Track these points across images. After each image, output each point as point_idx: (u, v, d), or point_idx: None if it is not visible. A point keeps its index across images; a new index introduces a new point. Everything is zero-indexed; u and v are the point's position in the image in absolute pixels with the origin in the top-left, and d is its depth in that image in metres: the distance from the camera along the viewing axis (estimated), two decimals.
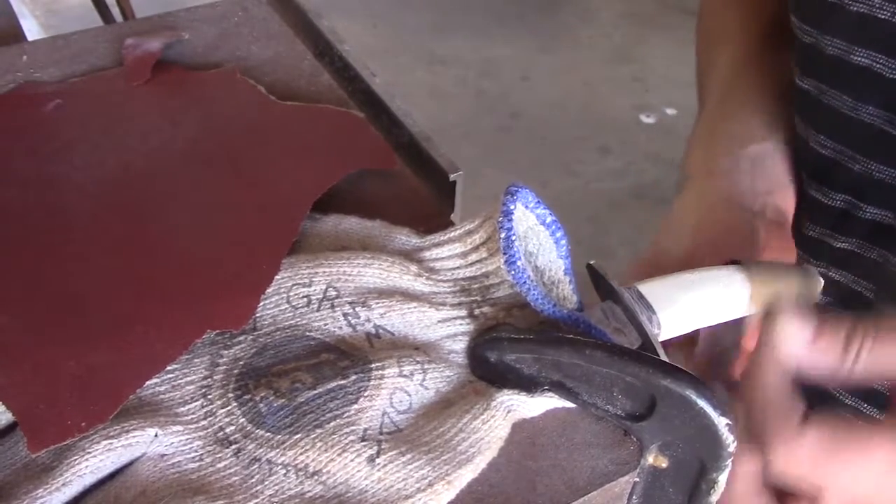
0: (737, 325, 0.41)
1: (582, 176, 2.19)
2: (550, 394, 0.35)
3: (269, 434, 0.33)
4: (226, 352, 0.36)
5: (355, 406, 0.34)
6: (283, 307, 0.38)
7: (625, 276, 0.48)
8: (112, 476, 0.33)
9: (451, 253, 0.39)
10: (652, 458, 0.34)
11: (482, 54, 2.61)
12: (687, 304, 0.38)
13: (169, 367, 0.35)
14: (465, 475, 0.32)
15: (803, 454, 0.33)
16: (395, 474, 0.32)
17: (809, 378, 0.34)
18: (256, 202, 0.44)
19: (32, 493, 0.31)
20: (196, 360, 0.36)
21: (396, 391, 0.34)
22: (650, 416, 0.33)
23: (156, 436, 0.33)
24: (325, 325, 0.37)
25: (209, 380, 0.35)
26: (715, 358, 0.43)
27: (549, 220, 0.38)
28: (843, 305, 0.56)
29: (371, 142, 0.49)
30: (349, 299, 0.38)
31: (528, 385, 0.35)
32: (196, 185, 0.45)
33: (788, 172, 0.52)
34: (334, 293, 0.38)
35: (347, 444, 0.33)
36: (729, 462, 0.33)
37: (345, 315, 0.37)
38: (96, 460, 0.32)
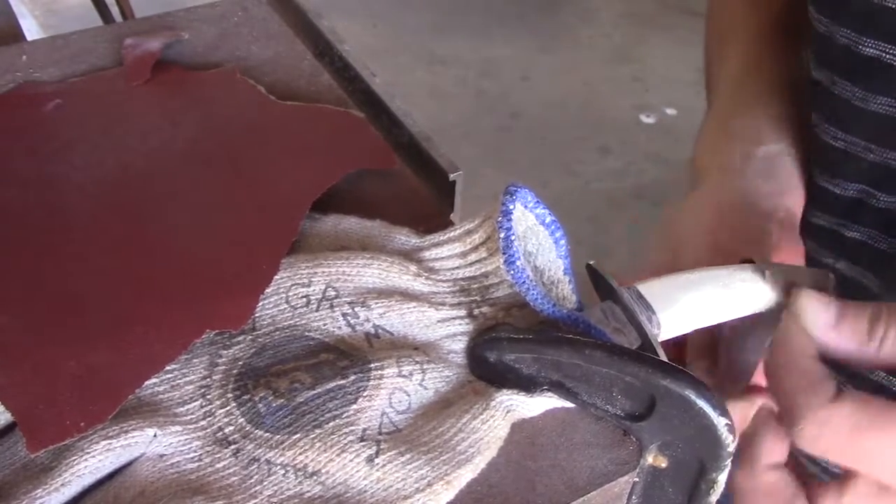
0: (760, 337, 0.41)
1: (582, 176, 2.19)
2: (550, 394, 0.35)
3: (268, 434, 0.33)
4: (225, 352, 0.36)
5: (354, 406, 0.34)
6: (282, 307, 0.38)
7: (631, 279, 0.49)
8: (111, 476, 0.33)
9: (450, 253, 0.39)
10: (651, 458, 0.34)
11: (482, 54, 2.61)
12: (687, 304, 0.38)
13: (168, 368, 0.35)
14: (465, 475, 0.32)
15: (837, 428, 0.32)
16: (394, 474, 0.32)
17: (834, 361, 0.34)
18: (256, 202, 0.44)
19: (31, 494, 0.31)
20: (195, 361, 0.36)
21: (395, 391, 0.34)
22: (650, 416, 0.33)
23: (155, 436, 0.33)
24: (325, 325, 0.37)
25: (208, 380, 0.35)
26: (737, 372, 0.43)
27: (548, 219, 0.38)
28: (849, 298, 0.56)
29: (371, 142, 0.49)
30: (348, 299, 0.38)
31: (528, 385, 0.35)
32: (195, 185, 0.45)
33: (797, 175, 0.52)
34: (333, 293, 0.38)
35: (346, 444, 0.32)
36: (728, 462, 0.33)
37: (344, 315, 0.37)
38: (95, 460, 0.32)
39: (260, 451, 0.33)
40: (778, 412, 0.37)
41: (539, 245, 0.39)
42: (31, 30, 2.34)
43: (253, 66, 0.55)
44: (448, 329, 0.37)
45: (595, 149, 2.28)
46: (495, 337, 0.36)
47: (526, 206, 0.38)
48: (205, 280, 0.39)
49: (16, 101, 0.51)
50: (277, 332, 0.37)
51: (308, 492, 0.32)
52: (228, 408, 0.34)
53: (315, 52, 0.59)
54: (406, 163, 0.50)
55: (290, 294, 0.38)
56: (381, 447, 0.33)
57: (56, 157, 0.47)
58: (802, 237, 0.49)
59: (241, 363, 0.36)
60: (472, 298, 0.38)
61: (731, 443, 0.32)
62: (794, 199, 0.51)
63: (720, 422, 0.32)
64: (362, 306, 0.37)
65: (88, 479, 0.32)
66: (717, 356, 0.44)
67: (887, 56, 0.46)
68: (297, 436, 0.33)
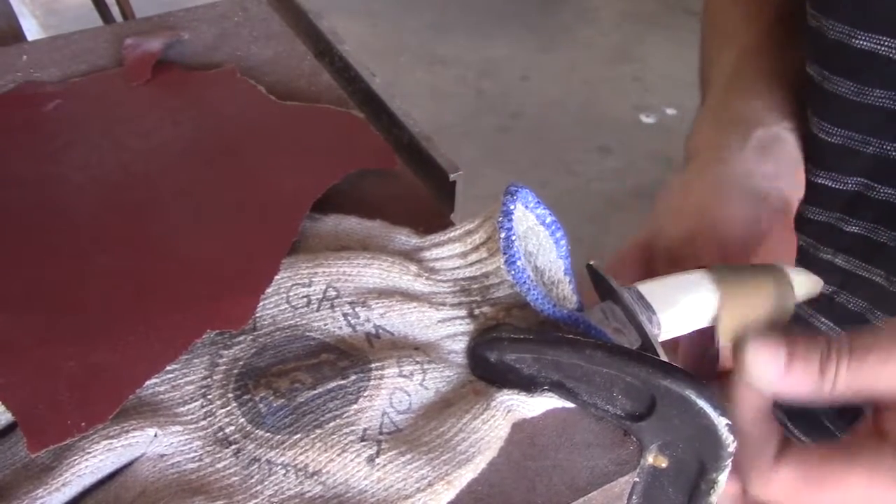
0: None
1: (582, 176, 2.19)
2: (550, 394, 0.35)
3: (268, 434, 0.33)
4: (225, 352, 0.36)
5: (355, 406, 0.34)
6: (282, 307, 0.38)
7: (619, 255, 0.48)
8: (112, 476, 0.33)
9: (450, 253, 0.39)
10: (652, 458, 0.34)
11: (482, 54, 2.61)
12: (687, 305, 0.38)
13: (168, 368, 0.35)
14: (465, 475, 0.32)
15: (779, 487, 0.33)
16: (394, 474, 0.32)
17: (789, 401, 0.34)
18: (256, 202, 0.44)
19: (32, 494, 0.31)
20: (196, 361, 0.36)
21: (396, 391, 0.34)
22: (650, 416, 0.33)
23: (155, 436, 0.33)
24: (325, 325, 0.37)
25: (209, 380, 0.35)
26: (698, 358, 0.43)
27: (548, 220, 0.38)
28: (849, 292, 0.56)
29: (371, 142, 0.49)
30: (349, 299, 0.38)
31: (528, 385, 0.35)
32: (196, 185, 0.45)
33: (796, 159, 0.51)
34: (334, 293, 0.38)
35: (347, 444, 0.33)
36: (729, 462, 0.33)
37: (344, 315, 0.37)
38: (96, 460, 0.32)
39: (261, 451, 0.33)
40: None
41: (539, 245, 0.39)
42: (32, 30, 2.34)
43: (253, 66, 0.55)
44: (449, 329, 0.37)
45: (595, 149, 2.28)
46: (496, 337, 0.36)
47: (526, 207, 0.38)
48: (205, 280, 0.39)
49: (16, 101, 0.51)
50: (278, 332, 0.37)
51: (309, 492, 0.32)
52: (229, 408, 0.34)
53: (315, 52, 0.59)
54: (406, 163, 0.50)
55: (291, 294, 0.38)
56: (382, 447, 0.33)
57: (56, 157, 0.47)
58: (798, 231, 0.49)
59: (241, 363, 0.36)
60: (472, 298, 0.38)
61: (731, 443, 0.32)
62: (788, 185, 0.50)
63: (720, 422, 0.32)
64: (363, 306, 0.37)
65: (89, 479, 0.32)
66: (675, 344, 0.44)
67: (882, 49, 0.46)
68: (298, 436, 0.33)
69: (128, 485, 0.32)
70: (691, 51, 0.63)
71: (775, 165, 0.50)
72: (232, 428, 0.34)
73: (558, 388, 0.34)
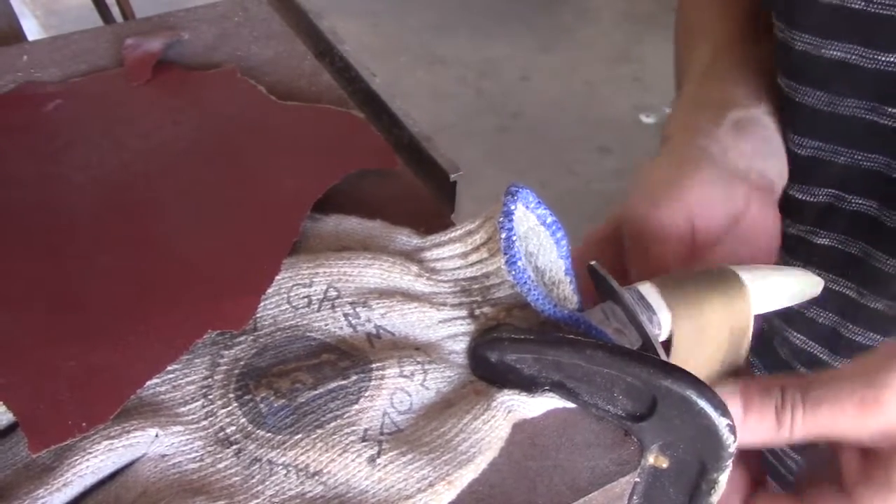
0: None
1: (582, 176, 2.19)
2: (551, 394, 0.35)
3: (269, 434, 0.33)
4: (226, 352, 0.36)
5: (356, 406, 0.34)
6: (283, 307, 0.38)
7: (589, 237, 0.47)
8: (113, 476, 0.33)
9: (451, 253, 0.39)
10: (652, 459, 0.34)
11: (482, 54, 2.61)
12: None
13: (169, 368, 0.35)
14: (466, 475, 0.32)
15: None
16: (395, 474, 0.32)
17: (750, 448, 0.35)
18: (257, 202, 0.44)
19: (33, 494, 0.31)
20: (196, 361, 0.36)
21: (397, 391, 0.34)
22: (651, 417, 0.33)
23: (156, 436, 0.33)
24: (326, 325, 0.37)
25: (210, 380, 0.35)
26: None
27: (549, 220, 0.38)
28: (819, 307, 0.56)
29: (371, 142, 0.49)
30: (350, 299, 0.38)
31: (529, 385, 0.35)
32: (196, 186, 0.45)
33: (775, 142, 0.50)
34: (335, 293, 0.38)
35: (348, 444, 0.33)
36: (730, 462, 0.33)
37: (345, 315, 0.37)
38: (97, 460, 0.32)
39: (262, 451, 0.33)
40: None
41: (540, 245, 0.39)
42: (32, 30, 2.34)
43: (253, 66, 0.55)
44: (449, 329, 0.37)
45: (595, 149, 2.28)
46: (497, 337, 0.36)
47: (527, 207, 0.38)
48: (206, 280, 0.39)
49: (16, 101, 0.51)
50: (279, 333, 0.37)
51: (310, 492, 0.32)
52: (230, 408, 0.34)
53: (315, 52, 0.59)
54: (406, 163, 0.50)
55: (292, 294, 0.38)
56: (383, 447, 0.33)
57: (56, 157, 0.47)
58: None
59: (242, 363, 0.36)
60: (473, 299, 0.38)
61: (732, 443, 0.32)
62: (770, 164, 0.49)
63: (721, 422, 0.32)
64: (364, 306, 0.37)
65: (90, 479, 0.32)
66: None
67: (852, 57, 0.45)
68: (299, 436, 0.33)
69: (129, 485, 0.32)
70: None
71: (753, 144, 0.48)
72: (233, 428, 0.34)
73: (559, 388, 0.34)
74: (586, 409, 0.35)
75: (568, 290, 0.39)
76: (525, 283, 0.37)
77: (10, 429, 0.34)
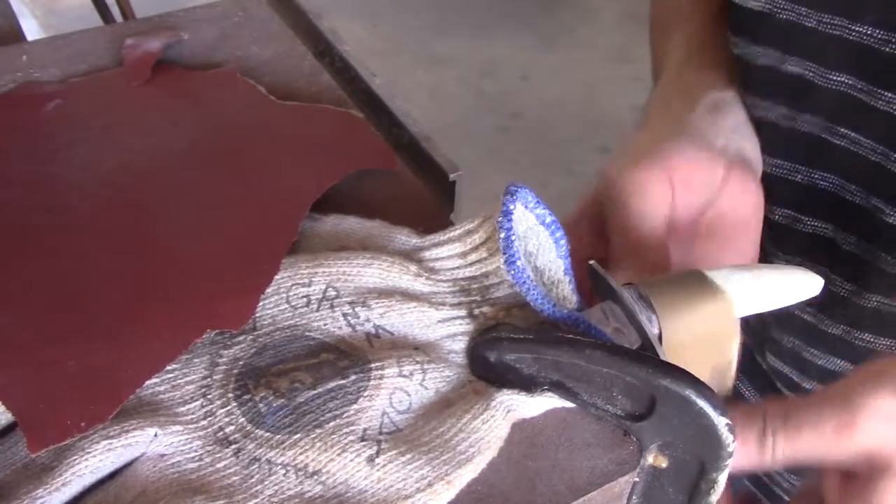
0: None
1: (582, 176, 2.19)
2: (550, 394, 0.35)
3: (268, 434, 0.33)
4: (225, 352, 0.36)
5: (355, 406, 0.34)
6: (282, 307, 0.38)
7: (569, 218, 0.46)
8: (112, 476, 0.33)
9: (450, 253, 0.39)
10: (652, 458, 0.34)
11: (482, 54, 2.61)
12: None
13: (168, 367, 0.35)
14: (465, 475, 0.32)
15: None
16: (394, 474, 0.32)
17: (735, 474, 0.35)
18: (256, 202, 0.44)
19: (32, 493, 0.31)
20: (196, 360, 0.36)
21: (396, 391, 0.34)
22: (650, 416, 0.33)
23: (155, 436, 0.33)
24: (325, 324, 0.37)
25: (209, 380, 0.35)
26: None
27: (548, 220, 0.38)
28: (780, 329, 0.56)
29: (371, 142, 0.49)
30: (349, 299, 0.38)
31: (528, 385, 0.35)
32: (196, 185, 0.45)
33: (749, 123, 0.50)
34: (334, 293, 0.38)
35: (347, 444, 0.33)
36: (729, 462, 0.33)
37: (344, 315, 0.37)
38: (96, 460, 0.32)
39: (261, 450, 0.33)
40: None
41: (539, 245, 0.39)
42: (32, 30, 2.34)
43: (253, 66, 0.55)
44: (448, 329, 0.37)
45: (595, 149, 2.28)
46: (496, 337, 0.36)
47: (526, 207, 0.38)
48: (205, 280, 0.39)
49: (16, 101, 0.51)
50: (278, 332, 0.37)
51: (309, 491, 0.32)
52: (229, 407, 0.34)
53: (315, 52, 0.59)
54: (406, 163, 0.50)
55: (291, 294, 0.38)
56: (382, 447, 0.33)
57: (56, 157, 0.47)
58: None
59: (241, 363, 0.36)
60: (472, 298, 0.38)
61: (731, 443, 0.32)
62: (746, 144, 0.48)
63: (720, 422, 0.32)
64: (363, 306, 0.37)
65: (89, 479, 0.32)
66: None
67: (808, 74, 0.45)
68: (298, 435, 0.33)
69: (128, 484, 0.32)
70: None
71: (729, 122, 0.48)
72: (232, 428, 0.34)
73: (558, 387, 0.34)
74: (585, 409, 0.35)
75: (567, 290, 0.39)
76: (524, 282, 0.37)
77: (9, 428, 0.34)
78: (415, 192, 0.47)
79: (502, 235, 0.37)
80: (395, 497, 0.31)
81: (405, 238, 0.41)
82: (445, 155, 0.50)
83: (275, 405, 0.34)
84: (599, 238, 0.45)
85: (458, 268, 0.39)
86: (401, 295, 0.38)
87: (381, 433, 0.33)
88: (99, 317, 0.37)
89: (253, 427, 0.34)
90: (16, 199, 0.44)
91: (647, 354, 0.34)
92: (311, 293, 0.38)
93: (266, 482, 0.32)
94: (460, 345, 0.37)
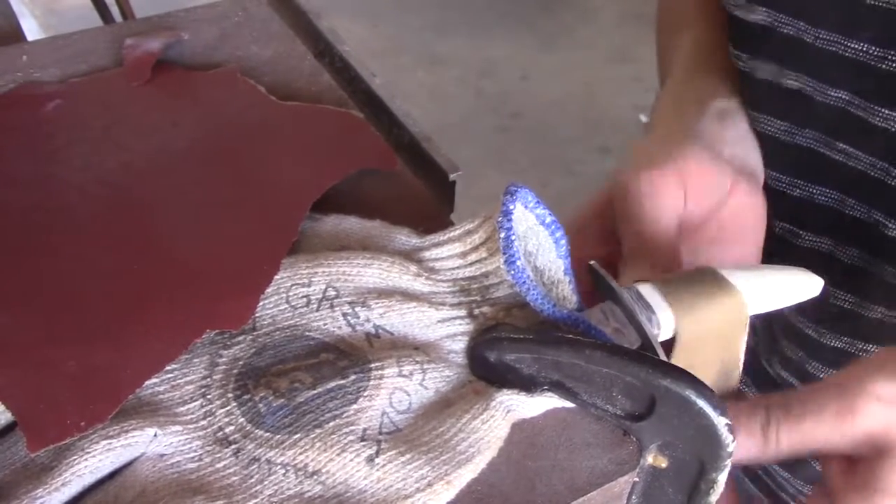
0: None
1: (582, 176, 2.19)
2: (550, 394, 0.35)
3: (268, 434, 0.33)
4: (225, 352, 0.36)
5: (354, 406, 0.34)
6: (282, 307, 0.38)
7: (578, 220, 0.47)
8: (111, 476, 0.33)
9: (450, 253, 0.39)
10: (651, 458, 0.34)
11: (482, 54, 2.61)
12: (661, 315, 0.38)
13: (168, 367, 0.35)
14: (465, 475, 0.32)
15: None
16: (394, 474, 0.32)
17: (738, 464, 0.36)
18: (256, 202, 0.44)
19: (32, 493, 0.31)
20: (195, 360, 0.36)
21: (396, 391, 0.34)
22: (649, 416, 0.33)
23: (155, 436, 0.33)
24: (325, 324, 0.37)
25: (208, 380, 0.35)
26: None
27: (548, 220, 0.38)
28: (788, 340, 0.56)
29: (371, 142, 0.49)
30: (348, 299, 0.38)
31: (528, 385, 0.35)
32: (196, 185, 0.45)
33: (752, 134, 0.50)
34: (334, 293, 0.38)
35: (347, 443, 0.33)
36: (728, 462, 0.33)
37: (344, 315, 0.37)
38: (95, 460, 0.32)
39: (260, 450, 0.33)
40: None
41: (539, 245, 0.39)
42: (32, 30, 2.34)
43: (253, 66, 0.55)
44: (448, 329, 0.37)
45: (595, 149, 2.28)
46: (495, 337, 0.36)
47: (526, 206, 0.38)
48: (205, 280, 0.39)
49: (16, 101, 0.51)
50: (278, 332, 0.37)
51: (308, 491, 0.32)
52: (229, 407, 0.34)
53: (315, 52, 0.59)
54: (406, 163, 0.50)
55: (291, 294, 0.38)
56: (382, 447, 0.33)
57: (56, 157, 0.47)
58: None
59: (241, 363, 0.36)
60: (472, 298, 0.38)
61: (731, 443, 0.32)
62: (750, 154, 0.49)
63: (720, 422, 0.32)
64: (363, 306, 0.37)
65: (89, 479, 0.32)
66: None
67: (807, 89, 0.46)
68: (298, 435, 0.33)
69: (127, 484, 0.32)
70: None
71: (736, 133, 0.49)
72: (232, 428, 0.34)
73: (558, 387, 0.34)
74: (585, 409, 0.35)
75: (567, 290, 0.39)
76: (524, 282, 0.37)
77: (9, 428, 0.34)
78: (415, 192, 0.47)
79: (502, 235, 0.37)
80: (394, 497, 0.31)
81: (405, 238, 0.41)
82: (445, 155, 0.50)
83: (274, 405, 0.34)
84: (608, 240, 0.45)
85: (458, 268, 0.39)
86: (401, 295, 0.38)
87: (380, 433, 0.33)
88: (99, 317, 0.37)
89: (252, 427, 0.34)
90: (16, 199, 0.44)
91: (646, 354, 0.34)
92: (310, 293, 0.38)
93: (266, 482, 0.32)
94: (460, 345, 0.37)
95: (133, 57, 0.54)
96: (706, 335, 0.38)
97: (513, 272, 0.37)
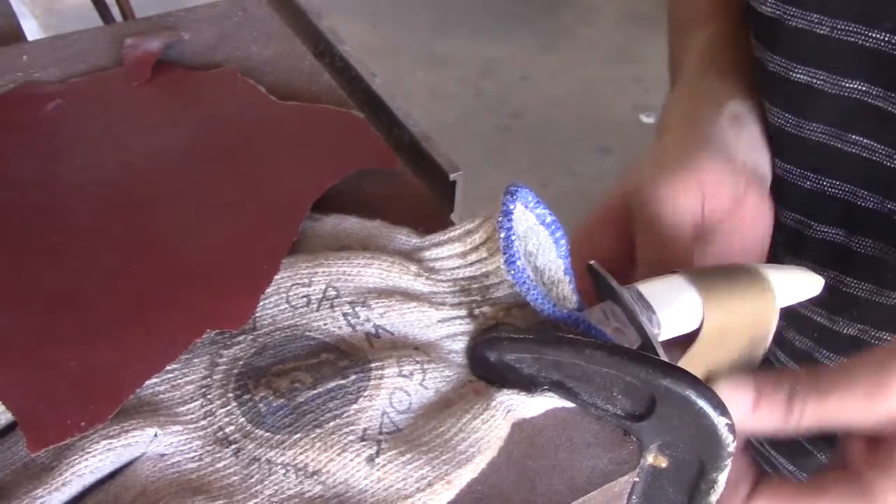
0: None
1: (582, 176, 2.19)
2: (550, 393, 0.35)
3: (268, 434, 0.33)
4: (225, 351, 0.36)
5: (355, 406, 0.34)
6: (282, 307, 0.38)
7: (590, 221, 0.47)
8: (112, 476, 0.33)
9: (450, 253, 0.39)
10: (651, 458, 0.34)
11: (482, 54, 2.61)
12: (687, 304, 0.38)
13: (168, 367, 0.35)
14: (465, 475, 0.32)
15: None
16: (394, 474, 0.32)
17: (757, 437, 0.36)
18: (256, 202, 0.44)
19: (32, 493, 0.31)
20: (195, 360, 0.36)
21: (396, 391, 0.34)
22: (650, 416, 0.33)
23: (155, 435, 0.33)
24: (325, 324, 0.37)
25: (209, 379, 0.35)
26: None
27: (548, 219, 0.38)
28: (795, 331, 0.56)
29: (371, 142, 0.49)
30: (349, 299, 0.38)
31: (528, 385, 0.35)
32: (196, 185, 0.45)
33: (764, 136, 0.51)
34: (334, 293, 0.38)
35: (347, 443, 0.33)
36: (729, 462, 0.33)
37: (344, 315, 0.37)
38: (96, 460, 0.32)
39: (260, 450, 0.33)
40: None
41: (539, 245, 0.39)
42: (32, 30, 2.34)
43: (253, 66, 0.55)
44: (448, 329, 0.37)
45: (595, 149, 2.28)
46: (496, 337, 0.36)
47: (526, 206, 0.38)
48: (205, 280, 0.39)
49: (16, 101, 0.51)
50: (278, 332, 0.37)
51: (308, 491, 0.32)
52: (229, 407, 0.34)
53: (315, 52, 0.59)
54: (406, 163, 0.50)
55: (291, 294, 0.38)
56: (382, 447, 0.33)
57: (56, 157, 0.47)
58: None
59: (241, 363, 0.36)
60: (472, 298, 0.38)
61: (731, 443, 0.32)
62: (761, 159, 0.49)
63: (720, 422, 0.32)
64: (363, 306, 0.37)
65: (89, 479, 0.32)
66: None
67: (817, 82, 0.46)
68: (298, 435, 0.33)
69: (128, 484, 0.32)
70: None
71: (749, 138, 0.49)
72: (232, 427, 0.34)
73: (558, 387, 0.34)
74: (585, 409, 0.35)
75: (567, 290, 0.39)
76: (524, 282, 0.37)
77: (9, 428, 0.34)
78: (415, 192, 0.47)
79: (502, 235, 0.37)
80: (395, 497, 0.31)
81: (405, 238, 0.41)
82: (445, 155, 0.50)
83: (275, 405, 0.34)
84: (619, 245, 0.45)
85: (458, 268, 0.39)
86: (401, 295, 0.38)
87: (380, 433, 0.33)
88: (99, 317, 0.37)
89: (253, 427, 0.34)
90: (16, 199, 0.44)
91: (647, 354, 0.34)
92: (311, 293, 0.38)
93: (266, 482, 0.32)
94: (460, 345, 0.37)
95: (133, 57, 0.54)
96: (733, 327, 0.38)
97: (513, 272, 0.37)
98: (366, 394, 0.34)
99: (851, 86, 0.45)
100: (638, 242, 0.44)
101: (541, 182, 2.10)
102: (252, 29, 0.58)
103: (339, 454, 0.32)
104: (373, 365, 0.35)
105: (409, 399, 0.35)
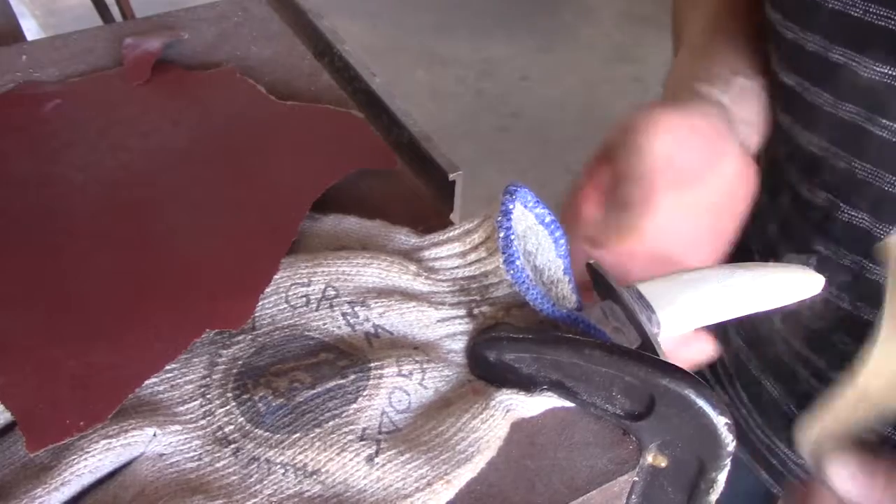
0: None
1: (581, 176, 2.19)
2: (549, 393, 0.35)
3: (267, 433, 0.33)
4: (224, 351, 0.36)
5: (354, 405, 0.34)
6: (281, 307, 0.38)
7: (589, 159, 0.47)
8: (111, 475, 0.33)
9: (450, 252, 0.39)
10: (651, 458, 0.34)
11: (482, 54, 2.61)
12: (686, 303, 0.38)
13: (168, 367, 0.35)
14: (464, 474, 0.32)
15: None
16: (393, 474, 0.32)
17: None
18: (256, 202, 0.44)
19: (31, 493, 0.31)
20: (195, 360, 0.36)
21: (395, 390, 0.34)
22: (649, 416, 0.33)
23: (154, 435, 0.33)
24: (324, 324, 0.37)
25: (208, 379, 0.35)
26: None
27: (547, 219, 0.38)
28: (817, 316, 0.56)
29: (371, 142, 0.49)
30: (348, 299, 0.38)
31: (527, 384, 0.35)
32: (195, 185, 0.45)
33: (761, 115, 0.52)
34: (333, 293, 0.38)
35: (346, 443, 0.33)
36: (728, 461, 0.33)
37: (343, 314, 0.37)
38: (95, 460, 0.32)
39: (260, 450, 0.33)
40: None
41: (538, 244, 0.39)
42: (31, 30, 2.34)
43: (253, 66, 0.55)
44: (448, 328, 0.37)
45: (595, 149, 2.28)
46: (495, 336, 0.36)
47: (525, 206, 0.38)
48: (205, 280, 0.39)
49: (16, 101, 0.51)
50: (277, 332, 0.37)
51: (308, 491, 0.32)
52: (228, 407, 0.34)
53: (315, 52, 0.59)
54: (406, 163, 0.50)
55: (290, 294, 0.38)
56: (381, 446, 0.33)
57: (56, 157, 0.47)
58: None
59: (240, 362, 0.36)
60: (471, 298, 0.38)
61: (730, 442, 0.32)
62: (753, 139, 0.51)
63: (720, 421, 0.32)
64: (362, 306, 0.37)
65: (88, 479, 0.32)
66: None
67: (853, 63, 0.46)
68: (297, 435, 0.33)
69: (127, 484, 0.32)
70: None
71: (751, 114, 0.50)
72: (231, 427, 0.34)
73: (557, 387, 0.34)
74: (585, 409, 0.35)
75: (566, 289, 0.39)
76: (523, 282, 0.37)
77: (8, 428, 0.34)
78: (415, 192, 0.47)
79: (501, 235, 0.37)
80: (394, 496, 0.31)
81: (405, 238, 0.41)
82: (445, 155, 0.50)
83: (274, 405, 0.34)
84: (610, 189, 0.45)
85: (457, 267, 0.39)
86: (400, 294, 0.38)
87: (380, 432, 0.33)
88: (98, 317, 0.37)
89: (252, 426, 0.34)
90: (16, 199, 0.44)
91: (646, 354, 0.34)
92: (310, 293, 0.38)
93: (265, 481, 0.32)
94: (460, 344, 0.37)
95: (133, 56, 0.54)
96: None
97: (512, 271, 0.37)
98: (365, 393, 0.34)
99: (882, 70, 0.45)
100: (612, 165, 0.44)
101: (541, 182, 2.09)
102: (252, 29, 0.58)
103: (338, 454, 0.32)
104: (372, 364, 0.35)
105: (408, 399, 0.35)
